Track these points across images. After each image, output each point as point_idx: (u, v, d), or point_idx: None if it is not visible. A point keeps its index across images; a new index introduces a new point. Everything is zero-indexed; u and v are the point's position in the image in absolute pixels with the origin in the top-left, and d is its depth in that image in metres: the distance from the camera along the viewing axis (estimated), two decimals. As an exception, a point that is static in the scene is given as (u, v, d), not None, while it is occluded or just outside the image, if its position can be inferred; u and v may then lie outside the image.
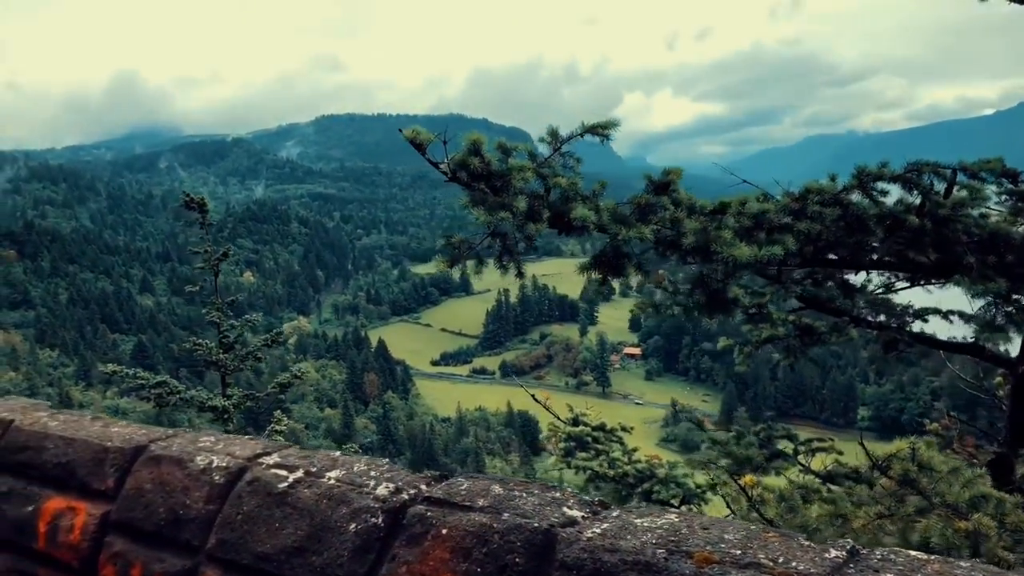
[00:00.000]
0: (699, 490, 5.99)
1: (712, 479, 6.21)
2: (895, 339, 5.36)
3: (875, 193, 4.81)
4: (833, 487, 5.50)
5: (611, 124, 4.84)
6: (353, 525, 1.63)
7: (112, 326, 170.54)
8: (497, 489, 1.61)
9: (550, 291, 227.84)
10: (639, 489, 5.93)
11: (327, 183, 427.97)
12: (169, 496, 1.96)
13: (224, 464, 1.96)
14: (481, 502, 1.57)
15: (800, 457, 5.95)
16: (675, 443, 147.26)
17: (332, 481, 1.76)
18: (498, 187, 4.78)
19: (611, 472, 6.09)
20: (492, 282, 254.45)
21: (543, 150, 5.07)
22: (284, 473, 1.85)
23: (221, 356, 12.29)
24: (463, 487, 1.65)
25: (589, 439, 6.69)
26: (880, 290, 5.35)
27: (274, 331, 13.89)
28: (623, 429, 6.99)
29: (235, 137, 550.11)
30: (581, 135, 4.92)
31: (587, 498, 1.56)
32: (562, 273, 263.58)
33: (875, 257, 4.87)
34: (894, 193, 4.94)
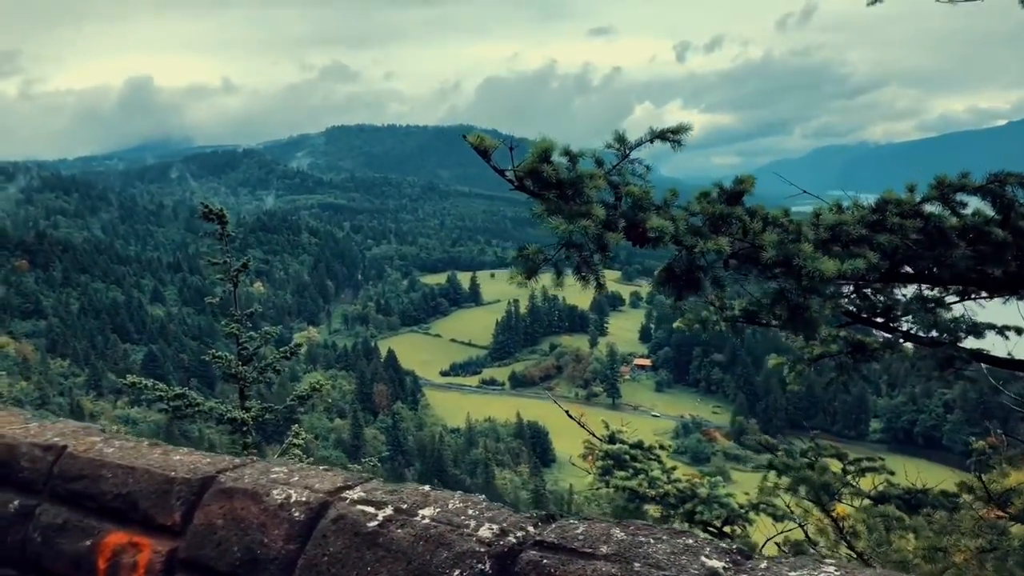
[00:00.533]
0: (742, 510, 5.82)
1: (790, 509, 5.96)
2: (952, 356, 5.17)
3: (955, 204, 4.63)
4: (902, 514, 5.28)
5: (683, 129, 4.67)
6: (457, 572, 1.50)
7: (123, 336, 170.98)
8: (618, 533, 1.46)
9: (560, 302, 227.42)
10: (681, 509, 5.77)
11: (337, 193, 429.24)
12: (244, 533, 1.82)
13: (304, 499, 1.82)
14: (604, 549, 1.42)
15: (849, 478, 5.77)
16: (686, 455, 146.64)
17: (427, 520, 1.63)
18: (569, 196, 4.58)
19: (652, 492, 5.92)
20: (501, 292, 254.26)
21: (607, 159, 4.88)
22: (372, 510, 1.71)
23: (240, 368, 12.23)
24: (578, 530, 1.50)
25: (627, 457, 6.51)
26: (931, 305, 5.16)
27: (292, 343, 13.83)
28: (661, 447, 6.80)
29: (246, 148, 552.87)
30: (651, 141, 4.73)
31: (724, 545, 1.42)
32: (572, 283, 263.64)
33: (952, 271, 4.68)
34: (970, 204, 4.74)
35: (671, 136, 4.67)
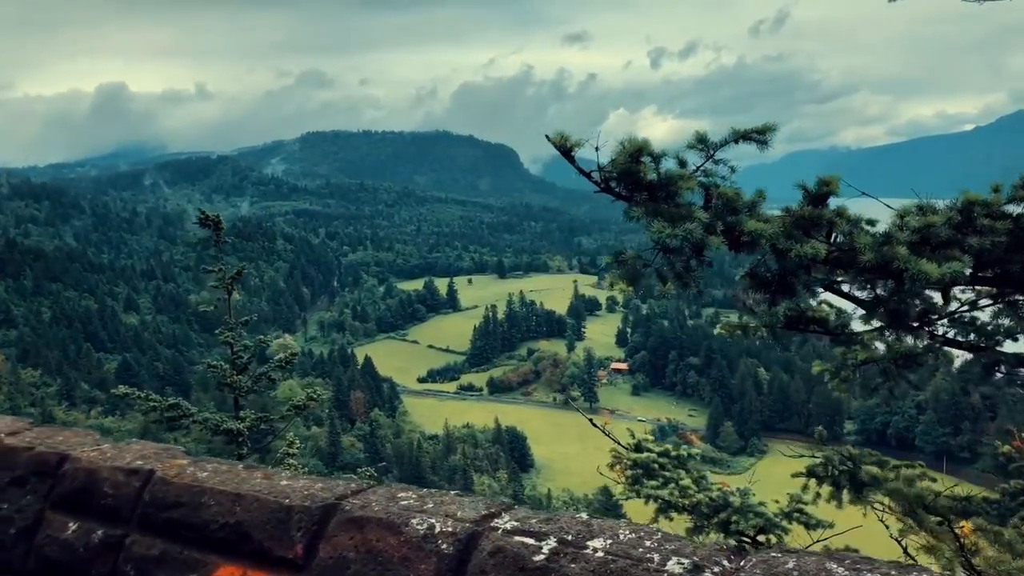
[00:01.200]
0: (777, 518, 5.74)
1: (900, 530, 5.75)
2: (998, 360, 5.13)
3: None
4: (998, 527, 5.18)
5: (768, 129, 4.55)
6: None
7: (96, 345, 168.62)
8: (838, 570, 1.25)
9: (537, 306, 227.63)
10: (715, 520, 5.69)
11: (312, 200, 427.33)
12: (384, 569, 1.62)
13: (449, 529, 1.62)
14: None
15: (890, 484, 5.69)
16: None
17: (600, 553, 1.42)
18: (660, 198, 4.41)
19: (684, 501, 5.83)
20: (479, 298, 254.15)
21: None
22: (533, 542, 1.51)
23: (235, 377, 12.02)
24: (788, 565, 1.30)
25: (655, 466, 6.42)
26: (965, 308, 5.10)
27: (288, 351, 13.65)
28: (689, 456, 6.72)
29: (220, 154, 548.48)
30: (735, 141, 4.60)
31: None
32: (549, 289, 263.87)
33: None
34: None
35: (756, 136, 4.55)
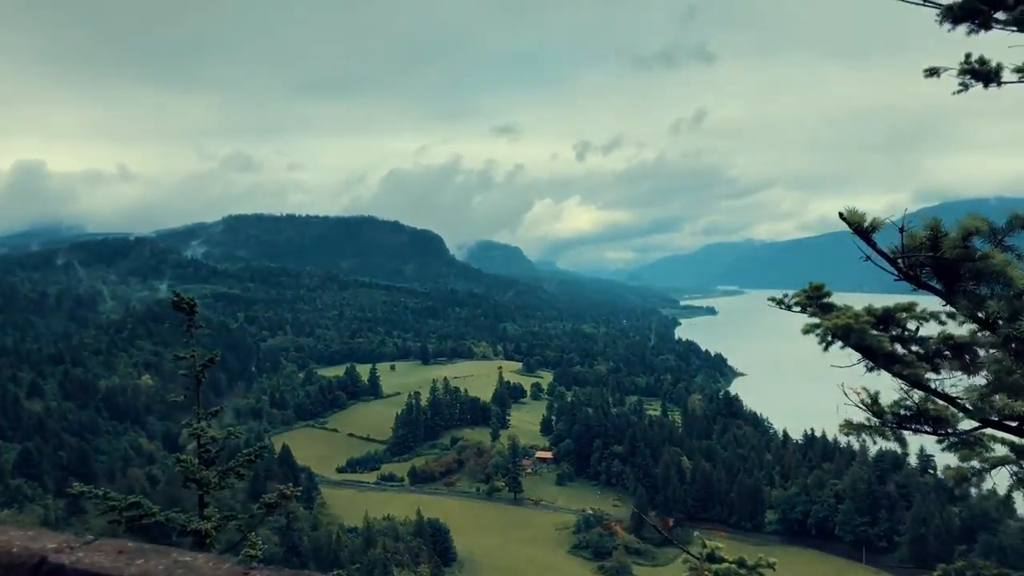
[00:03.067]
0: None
1: None
2: None
3: None
4: None
5: None
6: None
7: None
8: None
9: (461, 393, 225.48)
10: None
11: (232, 283, 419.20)
12: None
13: None
14: None
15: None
16: (587, 550, 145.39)
17: None
18: (972, 288, 3.97)
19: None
20: (402, 384, 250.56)
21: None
22: None
23: (203, 473, 11.32)
24: None
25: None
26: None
27: (257, 444, 12.95)
28: (768, 565, 6.56)
29: (139, 236, 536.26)
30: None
31: None
32: (474, 375, 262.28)
33: None
34: None
35: None
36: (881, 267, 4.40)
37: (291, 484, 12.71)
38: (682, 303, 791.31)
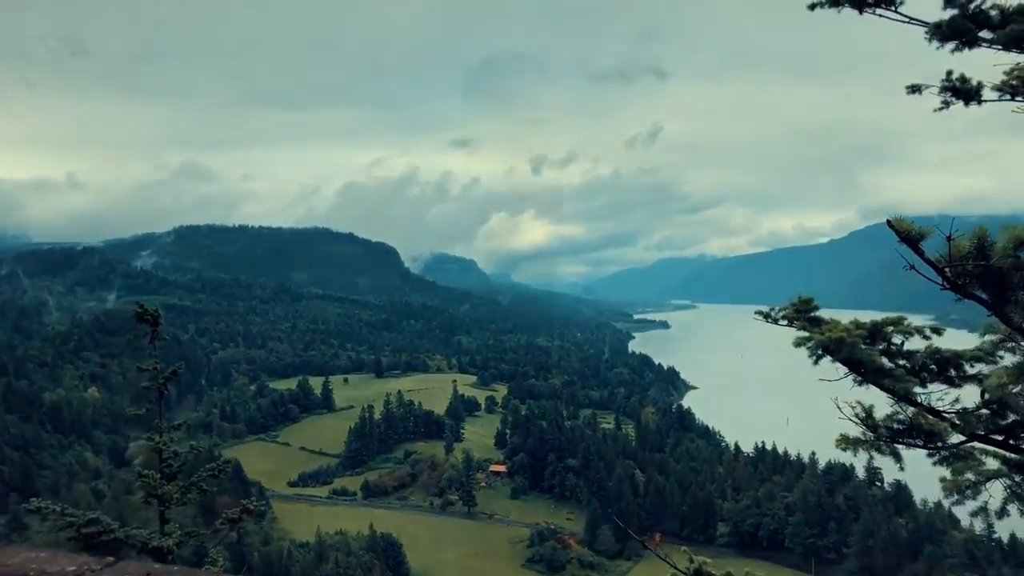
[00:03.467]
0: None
1: None
2: None
3: None
4: None
5: None
6: None
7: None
8: None
9: (415, 407, 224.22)
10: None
11: (183, 294, 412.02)
12: None
13: None
14: None
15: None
16: (541, 563, 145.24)
17: None
18: (1020, 295, 3.93)
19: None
20: (355, 397, 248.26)
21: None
22: None
23: (165, 488, 11.05)
24: None
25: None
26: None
27: (220, 460, 12.72)
28: None
29: (87, 246, 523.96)
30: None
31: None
32: (428, 388, 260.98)
33: None
34: None
35: None
36: (927, 276, 4.46)
37: (253, 499, 12.54)
38: (636, 317, 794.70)
